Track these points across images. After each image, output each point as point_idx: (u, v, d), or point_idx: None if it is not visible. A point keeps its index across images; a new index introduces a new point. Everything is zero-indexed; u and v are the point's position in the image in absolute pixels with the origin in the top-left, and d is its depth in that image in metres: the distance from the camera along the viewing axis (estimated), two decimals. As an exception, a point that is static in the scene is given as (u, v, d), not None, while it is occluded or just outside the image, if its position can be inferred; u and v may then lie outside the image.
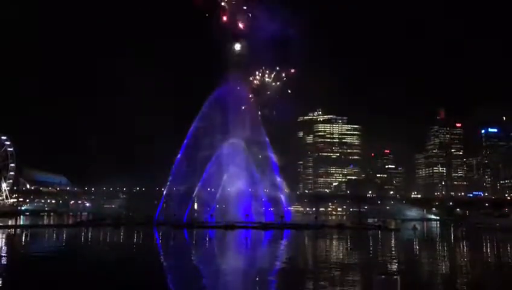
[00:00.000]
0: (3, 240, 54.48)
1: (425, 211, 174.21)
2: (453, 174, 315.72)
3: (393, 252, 46.64)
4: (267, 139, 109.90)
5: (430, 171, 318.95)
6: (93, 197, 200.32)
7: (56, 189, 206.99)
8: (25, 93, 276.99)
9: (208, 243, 55.78)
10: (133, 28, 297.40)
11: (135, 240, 60.21)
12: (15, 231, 67.65)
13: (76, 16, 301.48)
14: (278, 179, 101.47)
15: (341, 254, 43.45)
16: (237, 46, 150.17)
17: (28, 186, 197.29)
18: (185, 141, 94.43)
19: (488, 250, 53.38)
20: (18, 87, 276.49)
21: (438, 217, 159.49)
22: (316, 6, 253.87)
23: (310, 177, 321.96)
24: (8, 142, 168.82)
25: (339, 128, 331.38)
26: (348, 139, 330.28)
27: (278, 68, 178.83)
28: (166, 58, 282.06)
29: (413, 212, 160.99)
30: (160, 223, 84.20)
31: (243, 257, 41.89)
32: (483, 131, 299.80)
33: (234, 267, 33.98)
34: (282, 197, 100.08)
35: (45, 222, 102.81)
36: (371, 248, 52.83)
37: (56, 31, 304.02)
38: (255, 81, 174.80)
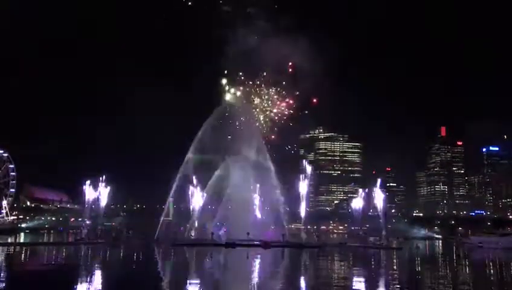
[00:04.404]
0: (2, 257, 54.06)
1: (427, 230, 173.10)
2: (455, 193, 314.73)
3: (395, 272, 46.25)
4: (268, 156, 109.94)
5: (432, 189, 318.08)
6: (93, 214, 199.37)
7: (56, 206, 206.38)
8: (25, 108, 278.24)
9: (208, 262, 55.27)
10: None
11: (135, 258, 59.75)
12: (14, 249, 67.22)
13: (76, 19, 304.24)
14: (280, 197, 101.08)
15: (342, 274, 43.09)
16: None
17: (28, 203, 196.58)
18: (186, 158, 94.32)
19: (491, 270, 52.85)
20: (18, 103, 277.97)
21: (440, 236, 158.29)
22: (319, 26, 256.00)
23: (311, 195, 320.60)
24: (8, 159, 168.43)
25: (340, 146, 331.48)
26: (349, 157, 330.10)
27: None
28: (167, 72, 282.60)
29: (415, 231, 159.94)
30: (160, 241, 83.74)
31: (244, 276, 41.48)
32: (484, 149, 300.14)
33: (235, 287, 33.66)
34: (284, 216, 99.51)
35: (45, 239, 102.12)
36: (373, 268, 52.40)
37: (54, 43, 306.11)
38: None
